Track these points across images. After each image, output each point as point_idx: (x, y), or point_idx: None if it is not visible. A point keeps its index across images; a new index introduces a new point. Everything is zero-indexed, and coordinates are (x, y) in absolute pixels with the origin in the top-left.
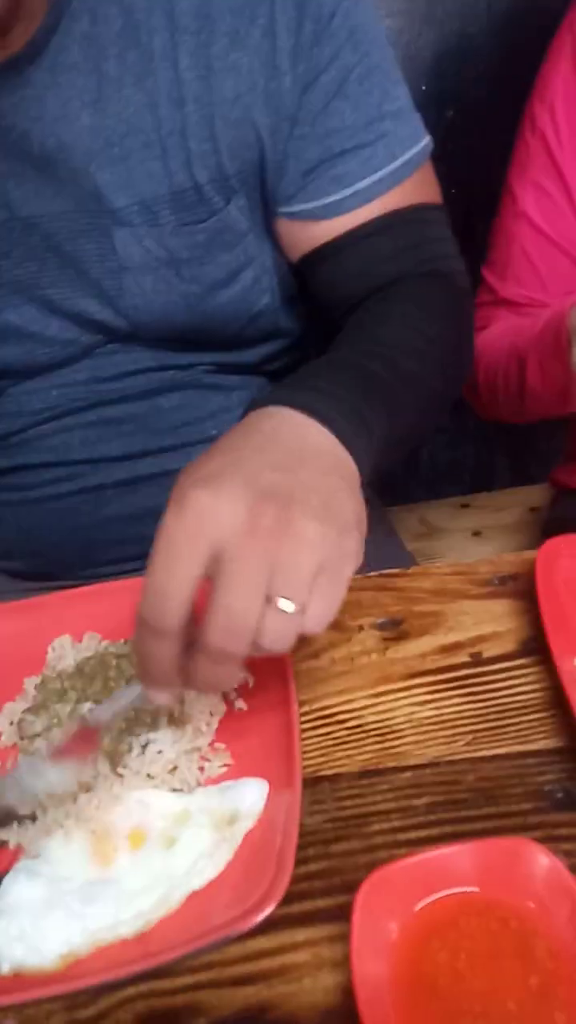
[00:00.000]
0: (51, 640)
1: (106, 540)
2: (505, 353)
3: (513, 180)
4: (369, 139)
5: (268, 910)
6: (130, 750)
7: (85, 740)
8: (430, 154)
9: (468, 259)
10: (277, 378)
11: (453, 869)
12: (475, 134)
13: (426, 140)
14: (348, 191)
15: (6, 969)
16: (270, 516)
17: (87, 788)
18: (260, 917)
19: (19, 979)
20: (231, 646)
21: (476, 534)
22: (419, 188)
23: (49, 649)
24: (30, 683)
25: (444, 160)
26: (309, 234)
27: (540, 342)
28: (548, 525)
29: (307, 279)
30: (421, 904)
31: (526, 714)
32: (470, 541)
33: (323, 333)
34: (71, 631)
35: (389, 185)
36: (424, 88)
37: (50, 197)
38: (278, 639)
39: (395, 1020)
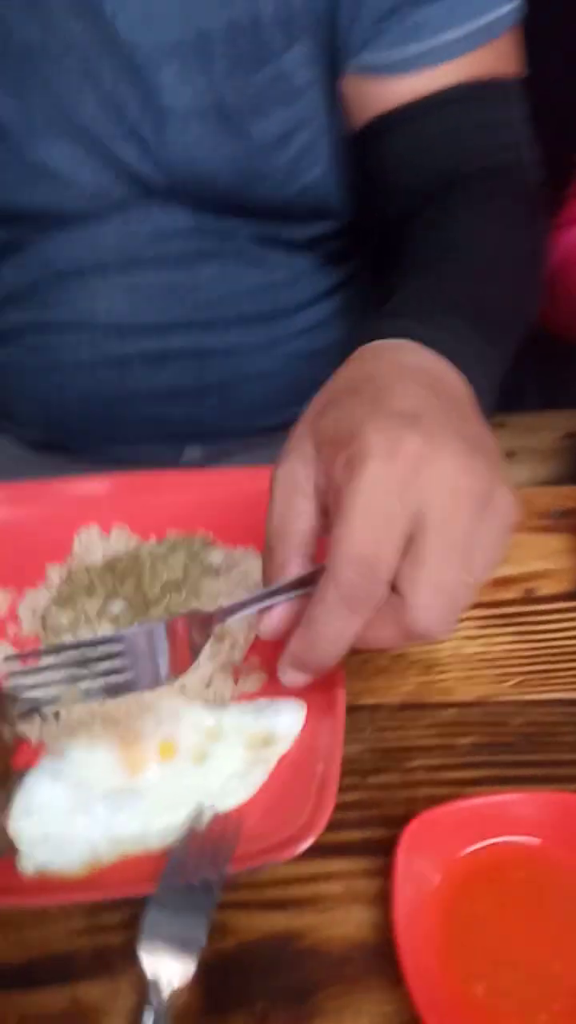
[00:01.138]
0: (77, 528)
1: (128, 417)
2: None
3: None
4: None
5: (309, 841)
6: None
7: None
8: (521, 22)
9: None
10: (322, 260)
11: (509, 816)
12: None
13: (517, 1)
14: (427, 43)
15: (31, 870)
16: (483, 479)
17: None
18: (301, 847)
19: (43, 882)
20: (441, 628)
21: (509, 455)
22: (505, 55)
23: (76, 539)
24: (54, 572)
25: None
26: (379, 93)
27: None
28: None
29: (369, 154)
30: (470, 849)
31: None
32: (503, 462)
33: (376, 225)
34: (99, 521)
35: (474, 44)
36: None
37: (92, 18)
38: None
39: (434, 963)
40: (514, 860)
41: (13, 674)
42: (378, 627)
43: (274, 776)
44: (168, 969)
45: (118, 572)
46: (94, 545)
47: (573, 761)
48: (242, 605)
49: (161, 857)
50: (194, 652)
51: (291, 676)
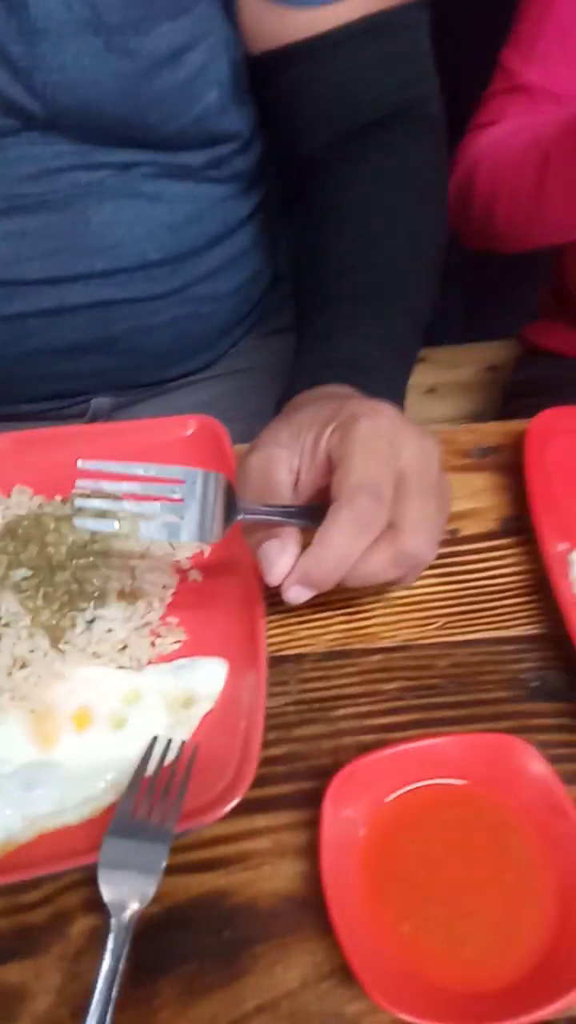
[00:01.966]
0: None
1: (28, 375)
2: (523, 148)
3: None
4: None
5: (234, 801)
6: (73, 626)
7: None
8: None
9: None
10: (226, 188)
11: (434, 760)
12: None
13: None
14: None
15: None
16: (435, 456)
17: (22, 664)
18: (226, 808)
19: None
20: (427, 550)
21: (430, 391)
22: None
23: None
24: None
25: None
26: (278, 24)
27: (565, 136)
28: (514, 387)
29: (267, 85)
30: (396, 794)
31: (504, 598)
32: (426, 398)
33: (275, 142)
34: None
35: None
36: None
37: None
38: None
39: (362, 910)
40: (440, 802)
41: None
42: (374, 553)
43: (197, 737)
44: (127, 892)
45: (20, 536)
46: None
47: (499, 699)
48: (265, 512)
49: (80, 830)
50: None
51: (295, 592)
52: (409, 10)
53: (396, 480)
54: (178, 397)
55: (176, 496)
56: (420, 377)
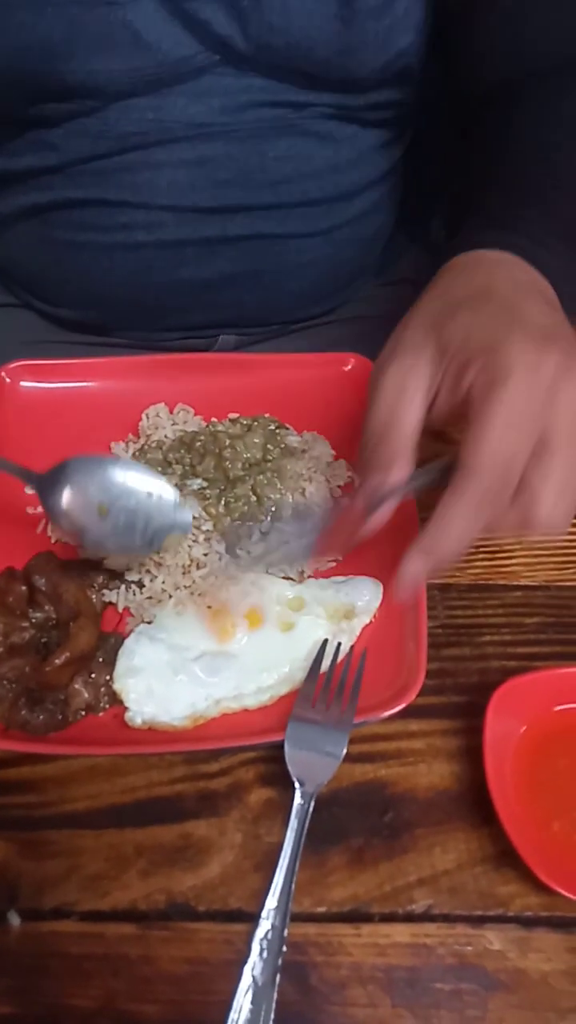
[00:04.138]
0: (142, 407)
1: (174, 305)
2: None
3: None
4: None
5: (406, 703)
6: (250, 535)
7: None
8: None
9: None
10: (386, 136)
11: None
12: None
13: None
14: None
15: (139, 723)
16: None
17: (198, 564)
18: (399, 707)
19: (152, 732)
20: (563, 523)
21: None
22: None
23: (143, 416)
24: (119, 448)
25: None
26: None
27: None
28: None
29: (454, 27)
30: (556, 709)
31: None
32: None
33: (437, 99)
34: (162, 400)
35: None
36: None
37: None
38: None
39: (517, 803)
40: None
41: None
42: (502, 519)
43: (359, 645)
44: (311, 770)
45: (196, 449)
46: (163, 423)
47: None
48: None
49: (256, 713)
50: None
51: (415, 565)
52: None
53: (541, 437)
54: (299, 340)
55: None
56: None
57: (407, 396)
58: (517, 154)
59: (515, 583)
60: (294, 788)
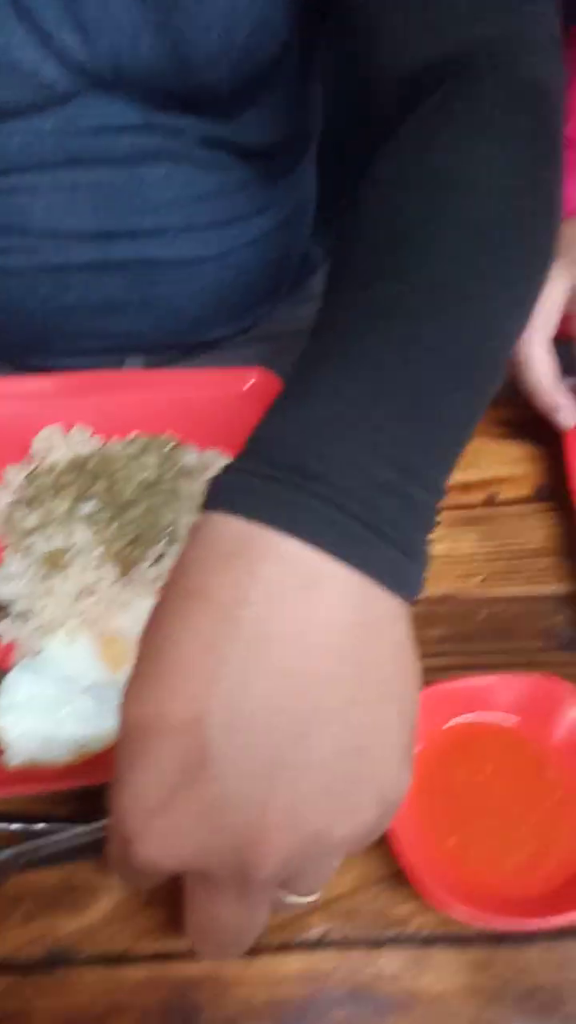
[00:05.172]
0: (34, 429)
1: (65, 330)
2: None
3: None
4: None
5: None
6: (144, 559)
7: None
8: None
9: None
10: (274, 158)
11: (485, 696)
12: None
13: None
14: None
15: (18, 763)
16: (231, 865)
17: (90, 592)
18: None
19: (32, 772)
20: (220, 955)
21: None
22: None
23: (35, 440)
24: (14, 472)
25: None
26: None
27: None
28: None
29: (335, 25)
30: (451, 723)
31: (538, 558)
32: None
33: (339, 127)
34: (58, 420)
35: None
36: None
37: None
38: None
39: (413, 822)
40: (487, 734)
41: None
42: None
43: None
44: None
45: (89, 471)
46: (56, 444)
47: (534, 649)
48: None
49: None
50: None
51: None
52: None
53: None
54: (210, 359)
55: None
56: None
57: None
58: (372, 256)
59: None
60: None
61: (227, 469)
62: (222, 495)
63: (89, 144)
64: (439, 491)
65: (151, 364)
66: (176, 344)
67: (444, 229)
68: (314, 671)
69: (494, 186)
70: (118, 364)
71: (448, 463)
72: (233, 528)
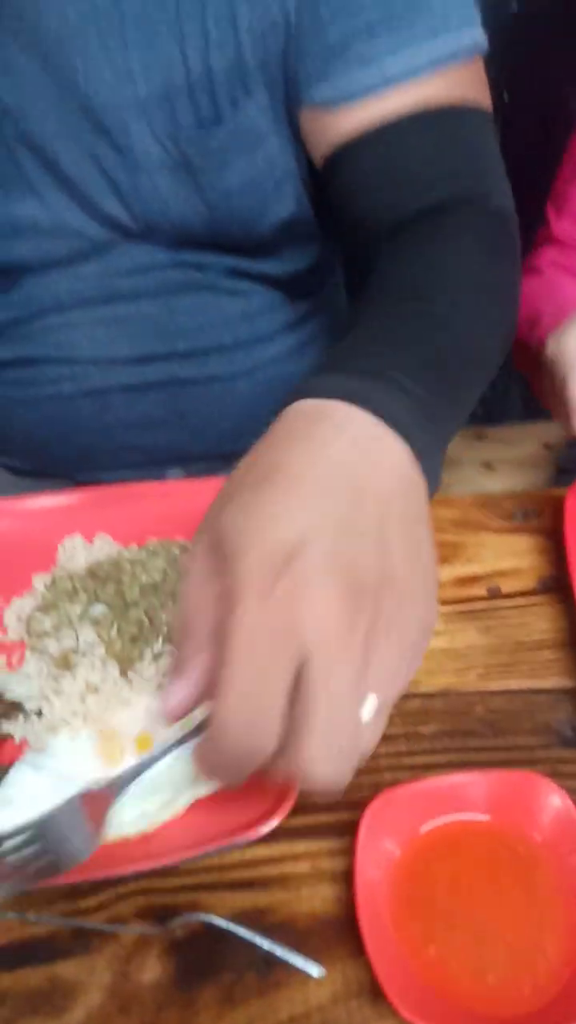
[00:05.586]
0: (62, 539)
1: (108, 446)
2: (525, 318)
3: None
4: (407, 13)
5: (274, 822)
6: (141, 658)
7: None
8: (483, 54)
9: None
10: (297, 290)
11: (463, 795)
12: (542, 40)
13: (478, 32)
14: (376, 72)
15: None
16: (365, 616)
17: (94, 689)
18: (266, 828)
19: None
20: (333, 782)
21: (488, 466)
22: (464, 84)
23: (60, 548)
24: (39, 580)
25: (503, 68)
26: (333, 127)
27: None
28: (566, 462)
29: (332, 188)
30: (427, 826)
31: (540, 651)
32: (482, 473)
33: (347, 251)
34: (82, 531)
35: (427, 69)
36: None
37: (62, 85)
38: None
39: (392, 933)
40: (469, 835)
41: None
42: (272, 770)
43: None
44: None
45: (99, 576)
46: (77, 553)
47: (532, 745)
48: (134, 771)
49: (136, 843)
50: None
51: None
52: (469, 112)
53: (298, 669)
54: None
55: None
56: (478, 453)
57: (200, 595)
58: (383, 297)
59: (414, 691)
60: (170, 922)
61: (305, 380)
62: (302, 390)
63: (124, 283)
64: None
65: (190, 475)
66: (212, 455)
67: (444, 277)
68: (376, 496)
69: (476, 261)
70: (160, 476)
71: (455, 418)
72: (322, 403)
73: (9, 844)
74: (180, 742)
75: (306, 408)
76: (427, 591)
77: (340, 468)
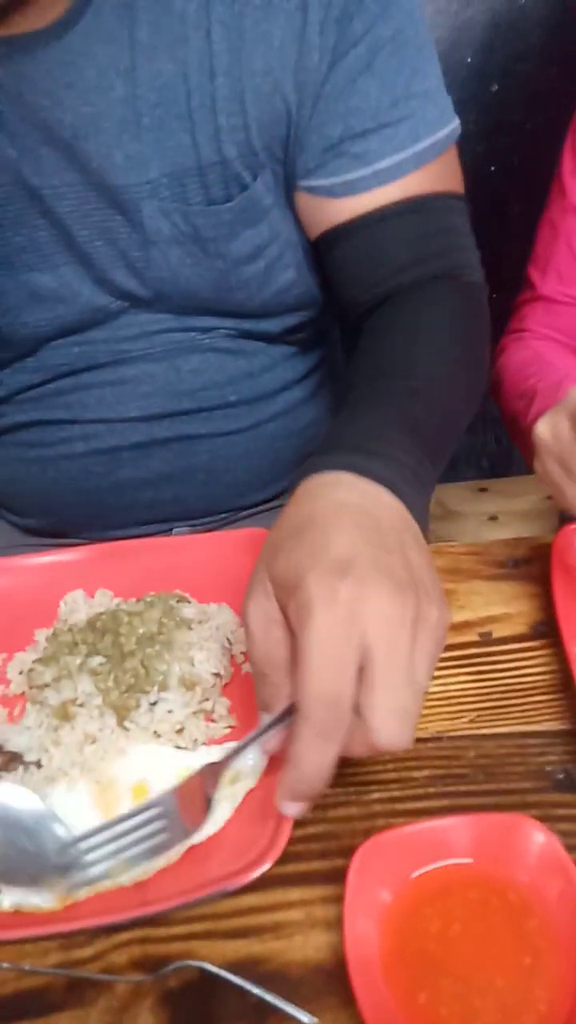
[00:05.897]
0: (64, 594)
1: (118, 503)
2: (517, 390)
3: (565, 172)
4: (393, 119)
5: (264, 867)
6: (138, 706)
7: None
8: (458, 138)
9: (500, 240)
10: (298, 348)
11: (449, 841)
12: (520, 110)
13: (454, 124)
14: (367, 170)
15: (7, 905)
16: (410, 606)
17: (92, 740)
18: (256, 873)
19: (19, 916)
20: (401, 740)
21: (492, 519)
22: (442, 174)
23: (61, 603)
24: (41, 635)
25: (486, 137)
26: (326, 212)
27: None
28: (566, 513)
29: (324, 262)
30: (416, 873)
31: (531, 695)
32: (486, 525)
33: (344, 312)
34: (84, 587)
35: (410, 167)
36: (469, 60)
37: (78, 169)
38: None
39: (383, 980)
40: (457, 881)
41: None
42: (350, 747)
43: (240, 811)
44: None
45: (98, 629)
46: (78, 607)
47: (524, 790)
48: (243, 745)
49: (131, 890)
50: (208, 802)
51: (290, 808)
52: (447, 197)
53: (362, 662)
54: (251, 523)
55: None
56: (484, 506)
57: (271, 631)
58: (372, 367)
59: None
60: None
61: (316, 458)
62: (316, 465)
63: (132, 346)
64: (431, 484)
65: (197, 531)
66: (218, 511)
67: (420, 351)
68: (391, 527)
69: (449, 333)
70: (167, 532)
71: (435, 470)
72: (332, 474)
73: (139, 818)
74: (263, 731)
75: (321, 478)
76: (441, 597)
77: (359, 509)
